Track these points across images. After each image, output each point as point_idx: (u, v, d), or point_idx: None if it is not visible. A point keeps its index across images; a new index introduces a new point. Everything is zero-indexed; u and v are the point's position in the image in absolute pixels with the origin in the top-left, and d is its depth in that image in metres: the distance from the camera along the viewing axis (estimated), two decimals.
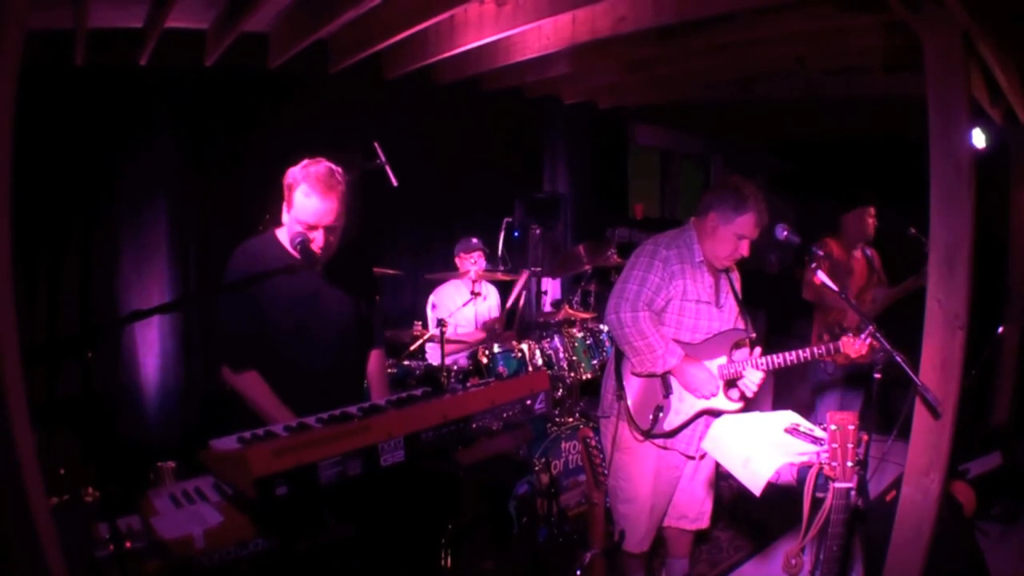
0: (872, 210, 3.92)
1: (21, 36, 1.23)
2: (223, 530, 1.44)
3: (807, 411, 3.87)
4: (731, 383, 2.68)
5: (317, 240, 2.11)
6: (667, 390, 2.66)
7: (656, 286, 2.61)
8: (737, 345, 2.70)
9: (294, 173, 2.14)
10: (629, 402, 2.69)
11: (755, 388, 2.64)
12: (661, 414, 2.64)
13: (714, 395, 2.61)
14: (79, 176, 3.52)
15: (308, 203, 2.08)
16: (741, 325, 2.76)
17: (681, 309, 2.66)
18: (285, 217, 2.18)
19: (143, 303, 3.72)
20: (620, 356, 2.74)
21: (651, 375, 2.65)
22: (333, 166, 2.17)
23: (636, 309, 2.58)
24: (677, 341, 2.64)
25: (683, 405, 2.66)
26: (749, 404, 2.69)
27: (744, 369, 2.62)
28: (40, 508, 1.23)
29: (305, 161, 2.17)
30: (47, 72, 3.22)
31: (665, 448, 2.72)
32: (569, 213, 6.03)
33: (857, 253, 3.97)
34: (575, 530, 3.34)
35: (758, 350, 2.63)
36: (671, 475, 2.77)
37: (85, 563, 1.33)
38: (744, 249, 2.63)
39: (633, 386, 2.71)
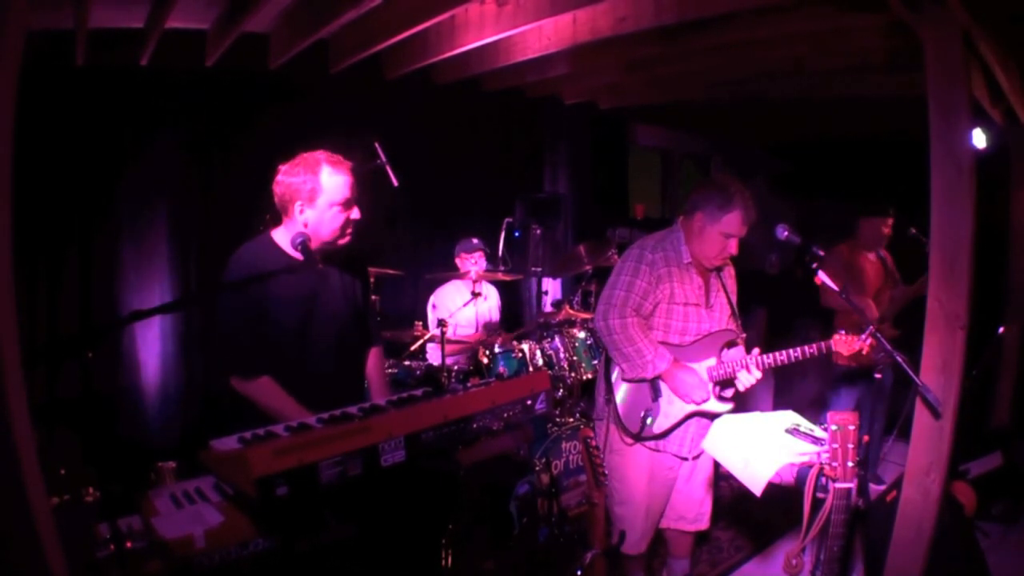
0: (890, 221, 3.99)
1: (21, 36, 1.23)
2: (224, 530, 1.43)
3: (810, 409, 3.87)
4: (722, 384, 2.66)
5: (353, 213, 2.20)
6: (655, 394, 2.65)
7: (643, 291, 2.59)
8: (728, 345, 2.67)
9: (303, 169, 2.15)
10: (618, 406, 2.68)
11: (747, 385, 2.60)
12: (649, 418, 2.62)
13: (704, 401, 2.60)
14: (80, 176, 3.52)
15: (338, 179, 2.16)
16: (732, 325, 2.74)
17: (669, 312, 2.63)
18: (309, 214, 2.15)
19: (143, 303, 3.72)
20: (609, 360, 2.72)
21: (641, 380, 2.64)
22: None
23: (624, 315, 2.56)
24: (665, 343, 2.62)
25: (672, 408, 2.64)
26: (750, 404, 2.68)
27: (736, 370, 2.59)
28: (41, 508, 1.23)
29: (290, 163, 2.18)
30: (48, 72, 3.22)
31: (657, 450, 2.71)
32: (570, 213, 6.03)
33: (871, 256, 4.02)
34: (576, 530, 3.33)
35: (755, 351, 2.59)
36: (666, 476, 2.76)
37: (85, 563, 1.32)
38: (733, 248, 2.59)
39: (621, 390, 2.69)
